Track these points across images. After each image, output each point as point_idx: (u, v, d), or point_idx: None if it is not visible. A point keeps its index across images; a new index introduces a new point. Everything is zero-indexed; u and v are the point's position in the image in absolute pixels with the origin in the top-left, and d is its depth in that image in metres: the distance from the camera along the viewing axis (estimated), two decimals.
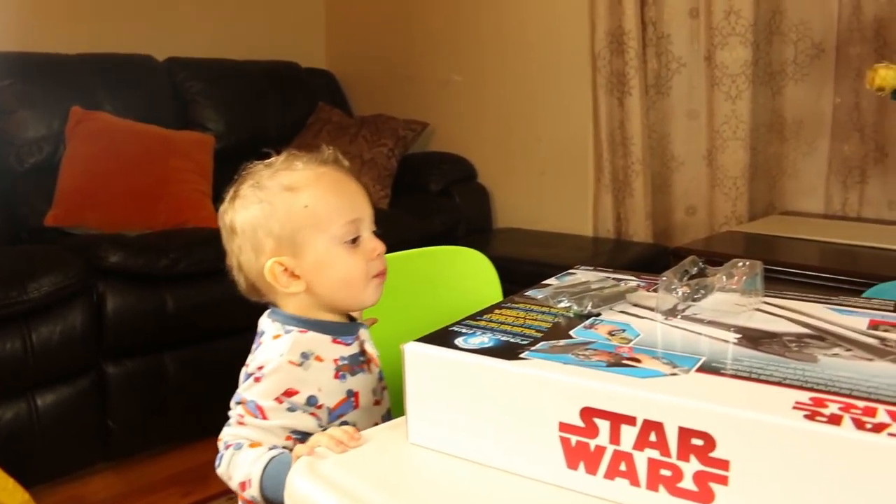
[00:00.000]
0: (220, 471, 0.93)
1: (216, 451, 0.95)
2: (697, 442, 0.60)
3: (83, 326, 1.99)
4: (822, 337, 0.75)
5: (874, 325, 0.78)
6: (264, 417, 0.92)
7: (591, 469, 0.66)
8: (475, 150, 3.25)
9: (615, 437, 0.64)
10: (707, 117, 2.58)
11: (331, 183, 0.97)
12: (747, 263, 0.87)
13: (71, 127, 2.55)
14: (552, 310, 0.87)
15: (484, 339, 0.77)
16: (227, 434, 0.94)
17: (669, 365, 0.68)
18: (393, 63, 3.53)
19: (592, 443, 0.65)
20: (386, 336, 1.12)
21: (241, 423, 0.93)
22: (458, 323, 0.84)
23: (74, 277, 1.96)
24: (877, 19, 2.31)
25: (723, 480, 0.59)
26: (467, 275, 1.35)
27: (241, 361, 0.99)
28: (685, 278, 0.86)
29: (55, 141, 2.59)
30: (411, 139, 3.21)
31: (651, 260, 2.53)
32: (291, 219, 0.94)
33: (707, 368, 0.67)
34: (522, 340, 0.77)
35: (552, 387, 0.67)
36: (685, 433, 0.60)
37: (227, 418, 0.96)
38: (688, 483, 0.61)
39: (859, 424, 0.55)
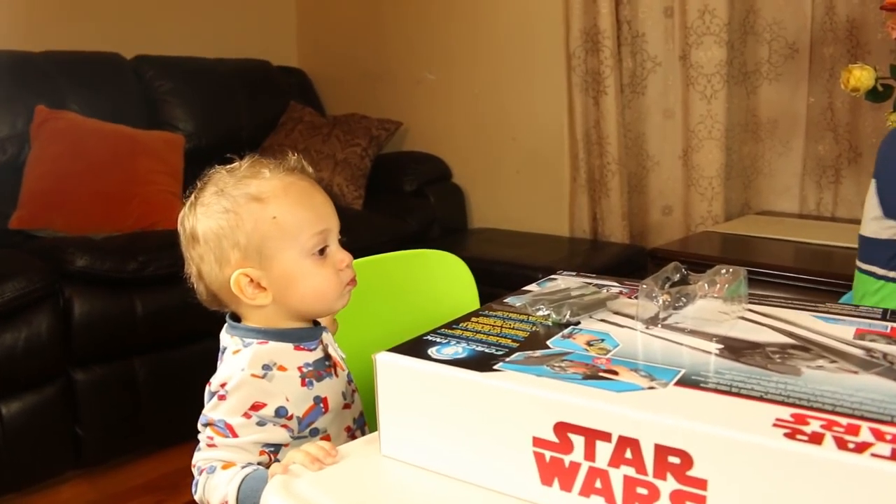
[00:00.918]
0: (198, 497, 0.90)
1: (190, 456, 0.92)
2: (674, 460, 0.58)
3: (49, 332, 1.94)
4: (807, 348, 0.73)
5: (860, 335, 0.76)
6: (234, 435, 0.90)
7: (566, 486, 0.64)
8: (450, 149, 3.22)
9: (590, 454, 0.62)
10: (682, 117, 2.57)
11: (299, 194, 0.95)
12: (730, 270, 0.85)
13: (36, 127, 2.49)
14: (530, 318, 0.85)
15: (458, 350, 0.75)
16: (198, 459, 0.91)
17: (648, 378, 0.66)
18: (366, 61, 3.50)
19: (567, 459, 0.63)
20: (359, 343, 1.10)
21: (211, 446, 0.90)
22: (433, 332, 0.81)
23: (39, 282, 1.91)
24: (849, 20, 2.31)
25: (700, 500, 0.57)
26: (442, 279, 1.33)
27: (214, 365, 0.96)
28: (667, 285, 0.84)
29: (19, 141, 2.53)
30: (385, 139, 3.18)
31: (628, 260, 2.52)
32: (259, 230, 0.92)
33: (686, 382, 0.65)
34: (497, 351, 0.74)
35: (525, 400, 0.65)
36: (662, 450, 0.58)
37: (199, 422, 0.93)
38: (664, 502, 0.59)
39: (841, 444, 0.54)
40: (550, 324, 0.83)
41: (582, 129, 2.73)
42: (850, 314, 0.84)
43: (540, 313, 0.84)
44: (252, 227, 0.92)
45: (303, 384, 0.94)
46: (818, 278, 1.90)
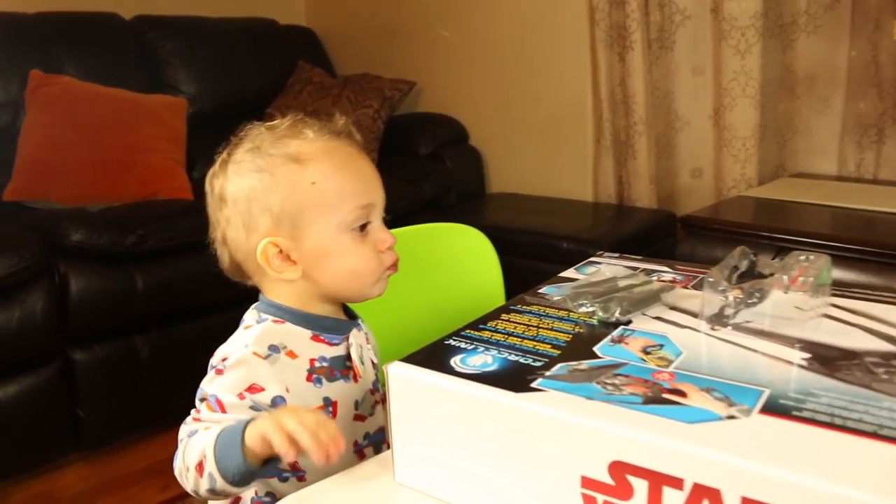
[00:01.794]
0: (177, 470, 0.78)
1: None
2: None
3: (45, 311, 1.82)
4: None
5: None
6: (223, 412, 0.78)
7: None
8: (466, 110, 3.08)
9: (655, 502, 0.50)
10: (714, 73, 2.41)
11: (344, 159, 0.85)
12: (811, 257, 0.72)
13: (30, 92, 2.36)
14: (571, 315, 0.72)
15: (486, 359, 0.63)
16: (181, 432, 0.80)
17: (725, 401, 0.53)
18: (377, 18, 3.34)
19: None
20: (376, 329, 0.97)
21: (196, 419, 0.79)
22: (456, 334, 0.69)
23: (32, 259, 1.79)
24: None
25: None
26: (465, 255, 1.21)
27: (219, 342, 0.85)
28: (735, 277, 0.71)
29: (13, 108, 2.40)
30: (398, 100, 3.04)
31: (656, 228, 2.38)
32: (295, 196, 0.82)
33: (774, 408, 0.52)
34: (535, 361, 0.62)
35: (572, 432, 0.53)
36: None
37: None
38: None
39: None
40: (597, 322, 0.70)
41: (607, 88, 2.57)
42: None
43: (583, 310, 0.71)
44: (288, 191, 0.82)
45: (308, 379, 0.82)
46: (863, 248, 1.76)
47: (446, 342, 0.67)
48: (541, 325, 0.69)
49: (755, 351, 0.62)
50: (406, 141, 2.98)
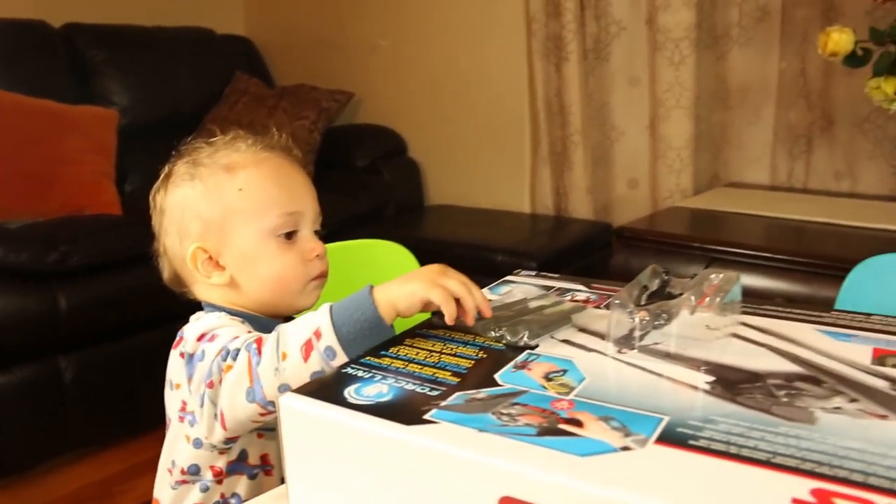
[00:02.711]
0: (266, 357, 0.71)
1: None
2: None
3: None
4: (818, 379, 0.59)
5: (880, 357, 0.62)
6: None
7: None
8: (405, 121, 3.06)
9: None
10: (649, 84, 2.43)
11: (273, 169, 0.88)
12: (720, 276, 0.71)
13: None
14: (477, 339, 0.70)
15: (382, 389, 0.60)
16: (222, 370, 0.74)
17: (621, 431, 0.51)
18: (317, 29, 3.31)
19: None
20: None
21: (230, 368, 0.74)
22: (355, 362, 0.66)
23: None
24: None
25: None
26: (389, 271, 1.17)
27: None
28: (644, 297, 0.70)
29: None
30: (335, 111, 3.00)
31: (592, 239, 2.39)
32: (222, 202, 0.85)
33: (671, 437, 0.50)
34: (433, 390, 0.59)
35: (462, 467, 0.50)
36: None
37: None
38: None
39: None
40: (504, 347, 0.68)
41: (543, 99, 2.57)
42: (862, 326, 0.70)
43: (491, 335, 0.69)
44: (216, 197, 0.85)
45: None
46: (795, 257, 1.77)
47: (343, 370, 0.64)
48: (444, 351, 0.67)
49: (660, 375, 0.61)
50: (343, 153, 2.94)
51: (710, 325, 0.67)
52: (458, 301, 0.71)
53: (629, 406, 0.55)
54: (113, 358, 2.01)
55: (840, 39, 1.63)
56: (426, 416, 0.55)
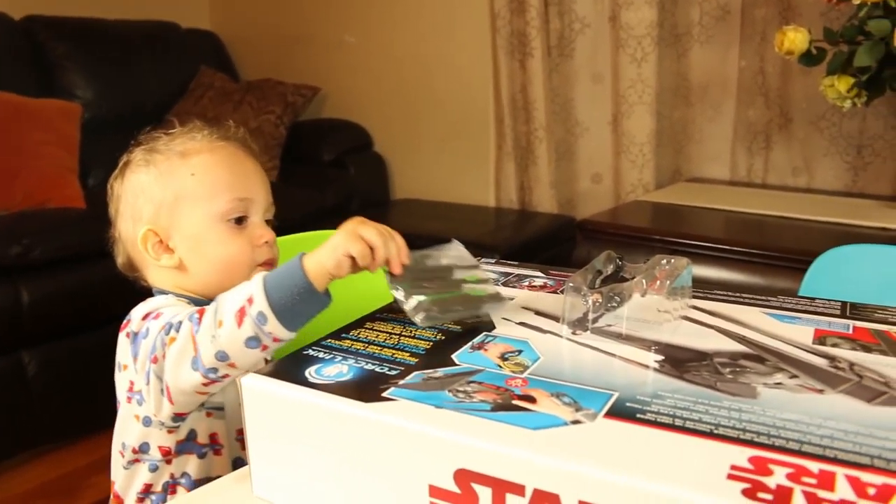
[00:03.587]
0: (205, 324, 0.71)
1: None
2: None
3: None
4: (762, 357, 0.61)
5: (820, 338, 0.65)
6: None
7: None
8: (371, 116, 3.06)
9: None
10: (612, 81, 2.46)
11: (226, 156, 0.89)
12: (671, 261, 0.73)
13: None
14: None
15: (342, 369, 0.61)
16: (166, 344, 0.74)
17: (572, 406, 0.53)
18: (283, 23, 3.30)
19: None
20: None
21: (174, 340, 0.74)
22: (316, 344, 0.67)
23: None
24: None
25: None
26: None
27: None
28: (598, 281, 0.72)
29: None
30: (301, 105, 3.00)
31: (556, 232, 2.41)
32: (174, 185, 0.86)
33: (620, 411, 0.53)
34: (391, 370, 0.61)
35: (419, 441, 0.52)
36: None
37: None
38: None
39: None
40: (459, 329, 0.69)
41: (508, 94, 2.59)
42: (805, 310, 0.73)
43: (394, 293, 0.71)
44: (168, 181, 0.87)
45: None
46: (753, 250, 1.81)
47: (304, 352, 0.65)
48: (403, 333, 0.69)
49: (612, 355, 0.63)
50: (309, 147, 2.94)
51: (661, 308, 0.70)
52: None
53: (581, 383, 0.57)
54: (77, 352, 2.00)
55: (795, 38, 1.67)
56: (385, 395, 0.56)
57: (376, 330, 0.70)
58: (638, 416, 0.52)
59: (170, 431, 0.82)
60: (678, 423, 0.51)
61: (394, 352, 0.64)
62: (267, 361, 0.73)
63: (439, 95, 2.87)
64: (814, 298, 0.76)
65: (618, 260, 0.76)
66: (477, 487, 0.50)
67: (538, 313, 0.73)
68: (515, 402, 0.54)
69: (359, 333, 0.69)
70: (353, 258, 0.71)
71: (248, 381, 0.60)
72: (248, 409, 0.61)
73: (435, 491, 0.52)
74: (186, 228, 0.86)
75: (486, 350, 0.64)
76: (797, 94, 2.26)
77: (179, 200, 0.86)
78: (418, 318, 0.68)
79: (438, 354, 0.64)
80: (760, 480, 0.44)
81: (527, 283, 0.83)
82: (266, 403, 0.60)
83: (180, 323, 0.74)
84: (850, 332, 0.67)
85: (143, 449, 0.83)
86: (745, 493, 0.43)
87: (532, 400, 0.55)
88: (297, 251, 1.08)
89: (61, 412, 1.97)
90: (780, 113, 2.32)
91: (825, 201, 2.09)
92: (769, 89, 2.31)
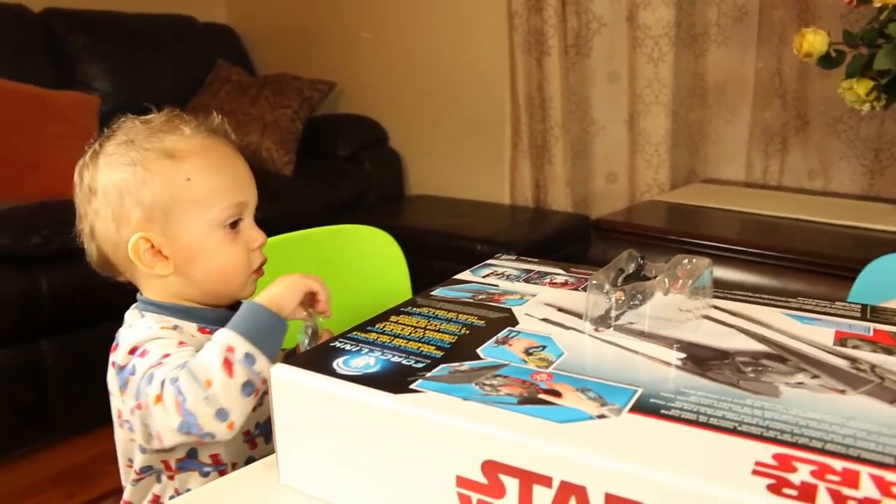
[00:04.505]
0: (190, 393, 0.72)
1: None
2: None
3: None
4: (783, 357, 0.62)
5: (841, 339, 0.66)
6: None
7: None
8: (386, 112, 3.08)
9: (526, 500, 0.50)
10: (629, 80, 2.46)
11: (219, 158, 0.86)
12: (693, 261, 0.74)
13: None
14: (459, 316, 0.72)
15: (370, 361, 0.62)
16: (148, 394, 0.74)
17: (597, 401, 0.54)
18: (299, 18, 3.32)
19: None
20: None
21: (159, 399, 0.74)
22: (343, 336, 0.68)
23: None
24: None
25: None
26: (371, 256, 1.20)
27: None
28: (620, 279, 0.73)
29: None
30: (318, 100, 3.02)
31: (570, 231, 2.42)
32: (169, 191, 0.82)
33: (644, 407, 0.53)
34: (418, 363, 0.62)
35: (447, 433, 0.53)
36: (615, 502, 0.47)
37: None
38: None
39: (840, 502, 0.42)
40: (484, 324, 0.70)
41: (524, 92, 2.60)
42: (826, 312, 0.73)
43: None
44: (161, 185, 0.82)
45: None
46: (767, 251, 1.82)
47: (331, 344, 0.66)
48: (428, 327, 0.69)
49: (634, 352, 0.64)
50: (325, 142, 2.96)
51: (682, 307, 0.70)
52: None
53: (605, 379, 0.58)
54: (94, 342, 2.01)
55: (814, 41, 1.67)
56: (412, 386, 0.57)
57: (401, 323, 0.71)
58: (662, 412, 0.53)
59: (169, 450, 0.82)
60: (702, 419, 0.51)
61: (419, 345, 0.65)
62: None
63: (455, 92, 2.88)
64: (833, 301, 0.77)
65: (639, 259, 0.77)
66: (504, 478, 0.51)
67: (561, 310, 0.74)
68: (541, 395, 0.55)
69: (384, 326, 0.70)
70: (310, 294, 0.83)
71: (278, 371, 0.61)
72: (276, 399, 0.62)
73: (462, 482, 0.53)
74: (183, 236, 0.84)
75: (510, 345, 0.65)
76: (814, 97, 2.26)
77: (174, 208, 0.83)
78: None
79: (464, 348, 0.64)
80: (785, 477, 0.45)
81: (548, 280, 0.83)
82: (294, 393, 0.61)
83: (162, 383, 0.73)
84: (871, 334, 0.67)
85: (146, 471, 0.84)
86: (770, 488, 0.43)
87: (558, 394, 0.55)
88: (304, 248, 1.11)
89: (78, 402, 2.00)
90: (797, 115, 2.31)
91: (841, 205, 2.09)
92: (786, 91, 2.31)
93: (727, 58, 2.42)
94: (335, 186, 2.71)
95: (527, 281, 0.84)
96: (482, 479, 0.52)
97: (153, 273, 0.84)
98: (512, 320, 0.71)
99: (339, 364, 0.62)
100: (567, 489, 0.48)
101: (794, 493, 0.43)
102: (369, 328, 0.70)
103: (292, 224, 1.20)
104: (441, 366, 0.61)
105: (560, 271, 0.87)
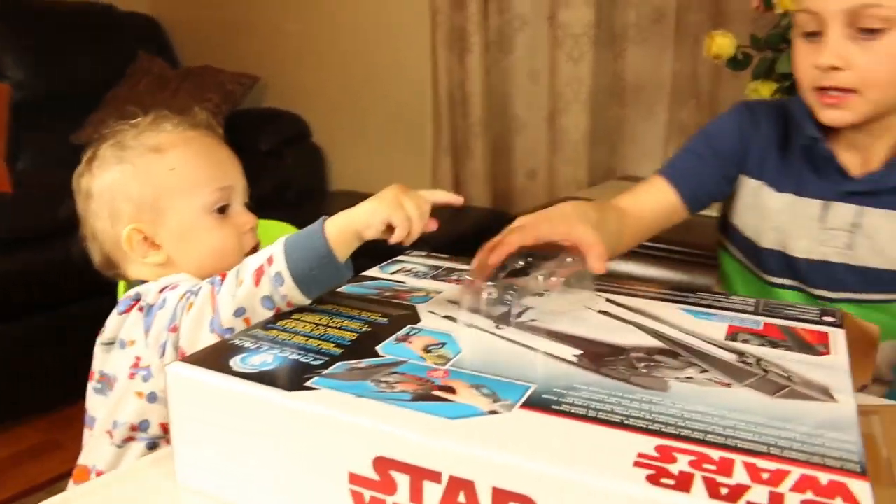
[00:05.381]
0: (227, 284, 0.74)
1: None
2: None
3: None
4: (675, 353, 0.64)
5: (733, 334, 0.68)
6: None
7: None
8: (310, 107, 3.04)
9: (416, 496, 0.51)
10: (549, 78, 2.49)
11: (201, 147, 0.90)
12: (577, 258, 0.76)
13: None
14: (362, 314, 0.72)
15: (267, 358, 0.62)
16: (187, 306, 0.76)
17: (490, 397, 0.55)
18: (225, 9, 3.25)
19: (389, 500, 0.52)
20: None
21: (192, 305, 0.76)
22: (244, 334, 0.68)
23: None
24: None
25: None
26: None
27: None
28: (501, 276, 0.74)
29: None
30: (240, 94, 2.97)
31: (490, 227, 2.42)
32: (154, 182, 0.86)
33: (536, 402, 0.54)
34: (315, 360, 0.62)
35: (339, 429, 0.53)
36: (501, 495, 0.48)
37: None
38: None
39: (713, 489, 0.44)
40: (386, 321, 0.70)
41: (446, 89, 2.61)
42: (722, 306, 0.76)
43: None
44: (146, 178, 0.86)
45: None
46: (681, 248, 1.86)
47: (231, 342, 0.66)
48: (330, 325, 0.69)
49: (532, 349, 0.65)
50: (246, 137, 2.89)
51: (578, 303, 0.72)
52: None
53: (501, 376, 0.59)
54: (8, 337, 1.95)
55: (723, 43, 1.72)
56: (307, 384, 0.57)
57: (304, 321, 0.70)
58: (553, 407, 0.54)
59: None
60: (591, 414, 0.53)
61: (320, 342, 0.65)
62: None
63: (379, 88, 2.87)
64: (730, 295, 0.79)
65: (528, 258, 0.79)
66: (395, 475, 0.51)
67: (463, 307, 0.75)
68: (435, 392, 0.56)
69: (286, 324, 0.70)
70: (389, 227, 0.74)
71: (174, 368, 0.61)
72: (172, 397, 0.61)
73: (355, 478, 0.53)
74: (173, 223, 0.87)
75: (410, 342, 0.65)
76: (727, 98, 2.32)
77: (162, 196, 0.86)
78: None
79: (363, 346, 0.65)
80: (664, 467, 0.46)
81: (455, 277, 0.84)
82: (191, 391, 0.60)
83: (199, 288, 0.76)
84: (761, 328, 0.70)
85: (143, 427, 0.83)
86: (649, 478, 0.45)
87: (452, 391, 0.56)
88: None
89: (7, 394, 1.92)
90: (712, 115, 2.37)
91: None
92: (701, 92, 2.37)
93: (645, 58, 2.46)
94: (255, 182, 2.66)
95: (434, 278, 0.85)
96: (374, 476, 0.52)
97: (147, 262, 0.87)
98: (414, 318, 0.71)
99: (236, 362, 0.61)
100: (456, 484, 0.49)
101: (671, 482, 0.45)
102: (270, 326, 0.69)
103: None
104: (339, 363, 0.61)
105: (467, 267, 0.87)
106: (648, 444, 0.49)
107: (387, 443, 0.51)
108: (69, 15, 2.92)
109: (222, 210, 0.89)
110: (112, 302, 0.88)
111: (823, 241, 1.01)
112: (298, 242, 0.73)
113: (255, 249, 0.91)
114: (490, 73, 2.57)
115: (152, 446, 0.84)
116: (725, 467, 0.46)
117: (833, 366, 0.62)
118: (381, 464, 0.51)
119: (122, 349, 0.83)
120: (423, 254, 0.95)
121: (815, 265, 1.02)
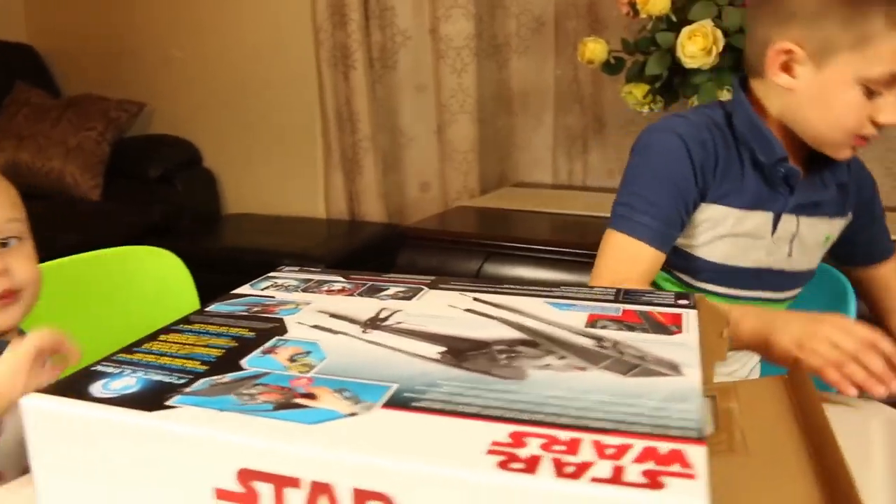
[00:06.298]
0: None
1: None
2: None
3: None
4: (536, 342, 0.65)
5: (592, 322, 0.70)
6: None
7: None
8: (200, 131, 3.01)
9: None
10: (435, 91, 2.53)
11: None
12: None
13: None
14: (230, 330, 0.72)
15: (130, 382, 0.61)
16: None
17: (352, 400, 0.55)
18: (106, 37, 3.18)
19: None
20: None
21: None
22: (107, 359, 0.66)
23: None
24: None
25: None
26: (156, 277, 1.17)
27: None
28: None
29: None
30: (126, 121, 2.91)
31: (384, 241, 2.45)
32: None
33: (397, 401, 0.55)
34: (179, 379, 0.61)
35: (201, 445, 0.53)
36: (361, 496, 0.48)
37: None
38: None
39: (559, 468, 0.46)
40: (254, 335, 0.70)
41: (333, 106, 2.62)
42: (585, 297, 0.78)
43: None
44: None
45: None
46: (575, 249, 1.90)
47: (93, 368, 0.64)
48: (196, 343, 0.69)
49: (398, 350, 0.65)
50: (135, 164, 2.86)
51: (452, 303, 0.73)
52: None
53: (363, 378, 0.59)
54: None
55: (595, 49, 1.77)
56: (168, 403, 0.56)
57: (169, 342, 0.69)
58: (413, 404, 0.54)
59: None
60: (449, 408, 0.54)
61: (184, 361, 0.64)
62: None
63: (268, 109, 2.86)
64: (593, 287, 0.82)
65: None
66: (258, 485, 0.51)
67: (333, 315, 0.75)
68: (297, 400, 0.56)
69: (151, 346, 0.69)
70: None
71: (30, 401, 0.59)
72: (31, 431, 0.59)
73: (221, 493, 0.52)
74: None
75: (276, 353, 0.65)
76: (608, 101, 2.40)
77: None
78: None
79: (229, 361, 0.64)
80: (515, 452, 0.47)
81: (325, 288, 0.84)
82: (49, 422, 0.58)
83: None
84: (620, 314, 0.72)
85: None
86: (500, 464, 0.46)
87: (314, 397, 0.56)
88: (83, 274, 1.06)
89: None
90: (595, 118, 2.45)
91: None
92: (584, 97, 2.44)
93: (528, 67, 2.53)
94: (146, 209, 2.62)
95: (305, 290, 0.85)
96: (239, 489, 0.52)
97: None
98: (281, 329, 0.71)
99: (96, 388, 0.60)
100: (317, 489, 0.49)
101: (520, 465, 0.46)
102: (135, 349, 0.68)
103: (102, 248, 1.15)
104: (202, 380, 0.60)
105: (339, 279, 0.88)
106: (503, 432, 0.50)
107: (248, 454, 0.51)
108: None
109: None
110: None
111: (771, 251, 1.08)
112: None
113: (7, 296, 0.84)
114: (375, 88, 2.59)
115: None
116: (573, 447, 0.48)
117: (684, 343, 0.64)
118: (245, 475, 0.51)
119: None
120: (296, 269, 0.95)
121: (759, 272, 1.09)
